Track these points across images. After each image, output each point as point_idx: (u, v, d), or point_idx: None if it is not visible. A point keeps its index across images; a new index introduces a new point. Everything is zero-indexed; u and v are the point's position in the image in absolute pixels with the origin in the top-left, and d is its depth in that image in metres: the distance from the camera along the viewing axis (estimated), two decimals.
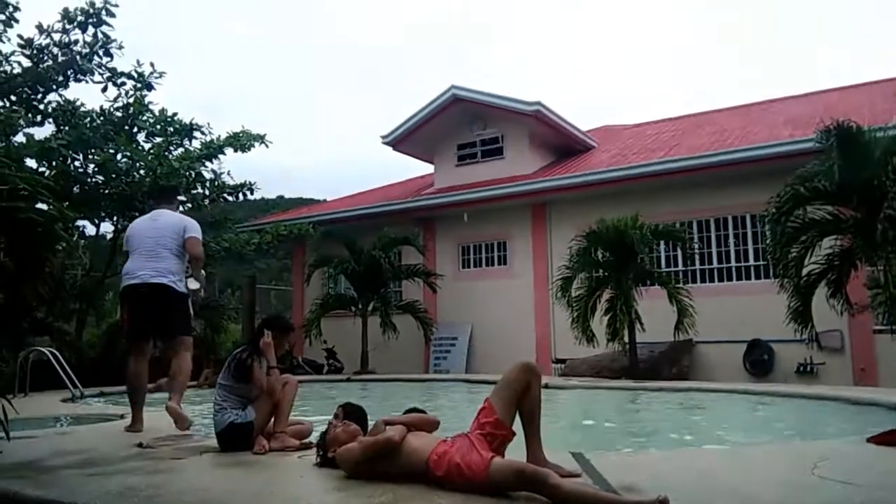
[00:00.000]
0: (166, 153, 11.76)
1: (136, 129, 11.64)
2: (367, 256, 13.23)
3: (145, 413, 5.10)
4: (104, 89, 11.07)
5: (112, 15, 10.35)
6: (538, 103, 13.67)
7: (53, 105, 10.69)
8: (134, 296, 5.09)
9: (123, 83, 11.19)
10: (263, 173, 16.19)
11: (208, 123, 12.37)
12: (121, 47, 10.68)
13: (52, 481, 3.07)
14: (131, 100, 11.37)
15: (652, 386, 8.88)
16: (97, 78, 10.86)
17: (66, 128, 10.60)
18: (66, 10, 10.21)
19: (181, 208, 12.41)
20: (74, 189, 10.80)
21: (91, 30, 10.39)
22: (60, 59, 10.39)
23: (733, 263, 11.73)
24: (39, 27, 10.21)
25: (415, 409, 3.28)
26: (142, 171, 11.29)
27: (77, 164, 10.96)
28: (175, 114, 12.06)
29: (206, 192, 12.60)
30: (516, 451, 2.93)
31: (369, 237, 13.68)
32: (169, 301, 5.12)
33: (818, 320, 7.95)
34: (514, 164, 14.32)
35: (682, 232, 11.26)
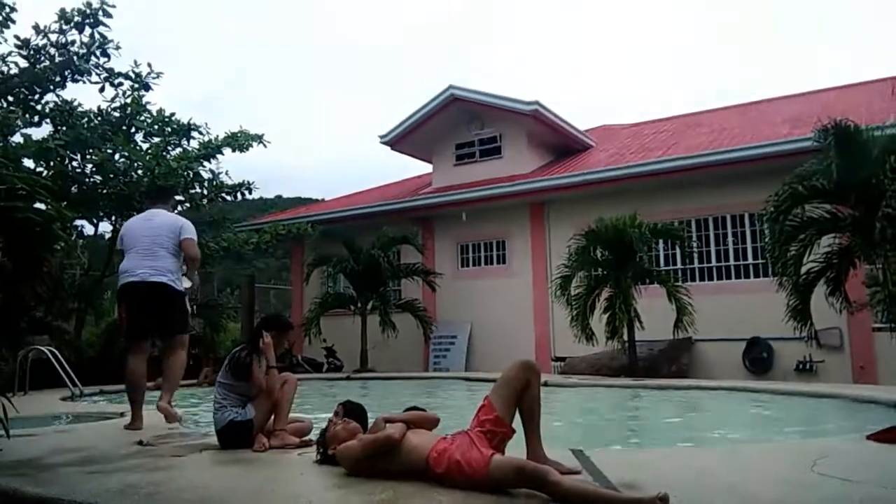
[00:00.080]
0: (164, 153, 11.75)
1: (133, 130, 11.65)
2: (366, 255, 13.23)
3: (145, 411, 5.10)
4: (101, 90, 11.08)
5: (109, 15, 10.36)
6: (536, 103, 13.68)
7: (51, 105, 10.69)
8: (133, 293, 5.10)
9: (121, 83, 11.20)
10: (262, 173, 16.20)
11: (206, 123, 12.40)
12: (118, 48, 10.70)
13: (52, 479, 3.07)
14: (129, 100, 11.37)
15: (651, 384, 8.89)
16: (94, 78, 10.88)
17: (64, 128, 10.60)
18: (62, 11, 10.21)
19: (179, 208, 12.48)
20: (72, 189, 10.80)
21: (88, 30, 10.40)
22: (57, 59, 10.39)
23: (732, 262, 11.74)
24: (36, 28, 10.21)
25: (414, 408, 3.28)
26: (140, 171, 11.29)
27: (75, 164, 10.96)
28: (173, 114, 12.07)
29: (205, 192, 12.60)
30: (516, 449, 2.94)
31: (368, 236, 13.68)
32: (168, 299, 5.16)
33: (817, 318, 7.97)
34: (512, 164, 14.32)
35: (680, 230, 11.27)
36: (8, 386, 7.36)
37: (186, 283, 5.42)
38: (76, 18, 10.26)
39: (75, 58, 10.43)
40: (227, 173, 12.92)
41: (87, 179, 11.03)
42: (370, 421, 3.27)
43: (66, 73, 10.50)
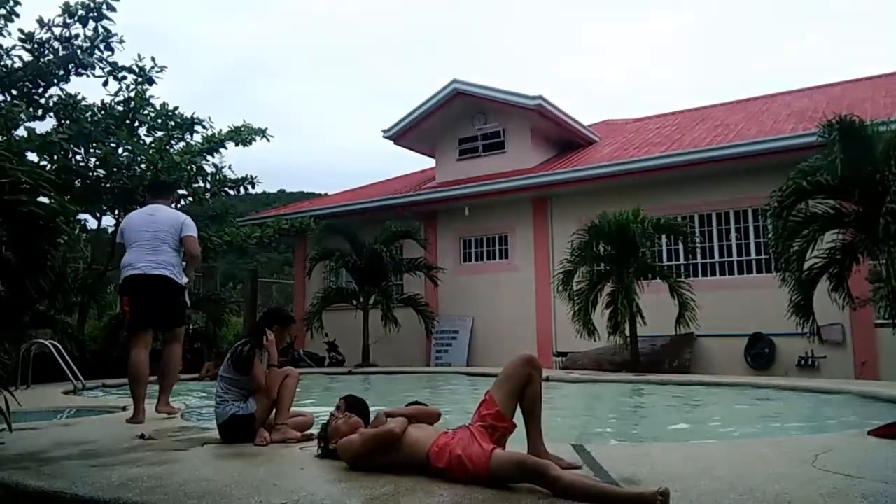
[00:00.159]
0: (167, 147, 11.77)
1: (137, 123, 11.65)
2: (369, 250, 13.23)
3: (147, 404, 5.14)
4: (105, 83, 11.09)
5: (113, 9, 10.35)
6: (540, 97, 13.64)
7: (54, 99, 10.70)
8: (136, 286, 5.17)
9: (124, 77, 11.20)
10: (265, 167, 16.22)
11: (209, 117, 12.41)
12: (121, 41, 10.69)
13: (54, 472, 3.08)
14: (132, 94, 11.37)
15: (653, 379, 8.89)
16: (98, 72, 10.88)
17: (68, 122, 10.61)
18: (66, 5, 10.21)
19: (182, 202, 12.51)
20: (76, 183, 10.82)
21: (92, 24, 10.39)
22: (61, 53, 10.40)
23: (735, 257, 11.71)
24: (40, 21, 10.22)
25: (416, 402, 3.29)
26: (143, 165, 11.31)
27: (78, 157, 10.98)
28: (176, 108, 12.08)
29: (208, 186, 12.63)
30: (517, 444, 2.94)
31: (371, 231, 13.68)
32: (171, 293, 5.26)
33: (819, 314, 7.96)
34: (515, 158, 14.29)
35: (683, 226, 11.25)
36: (10, 379, 7.37)
37: (184, 279, 5.48)
38: (80, 12, 10.26)
39: (79, 51, 10.43)
40: (230, 167, 12.96)
41: (90, 173, 11.06)
42: (371, 415, 3.28)
43: (70, 66, 10.50)
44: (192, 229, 5.43)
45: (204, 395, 8.06)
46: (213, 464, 3.36)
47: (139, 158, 11.28)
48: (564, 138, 15.00)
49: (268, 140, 13.13)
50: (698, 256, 11.90)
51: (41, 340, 8.86)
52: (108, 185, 11.13)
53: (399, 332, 13.15)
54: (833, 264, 7.71)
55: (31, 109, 10.29)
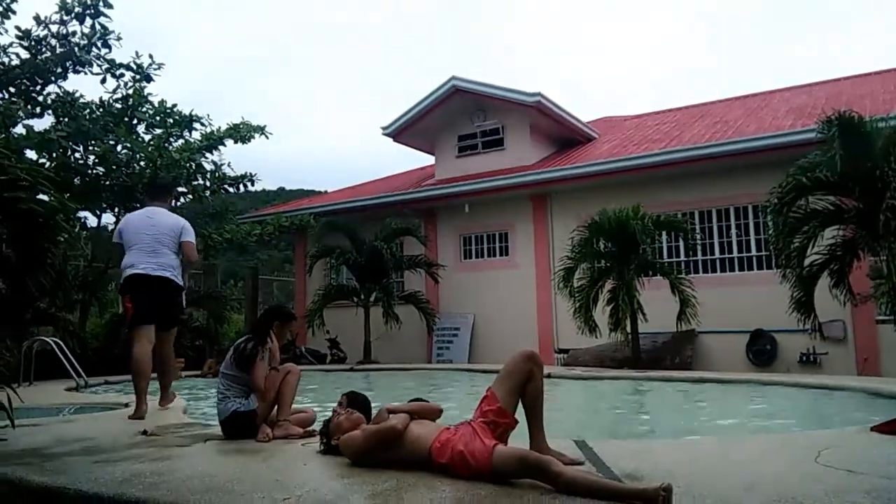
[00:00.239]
0: (166, 144, 11.75)
1: (135, 121, 11.63)
2: (369, 247, 13.23)
3: (149, 400, 5.20)
4: (103, 81, 11.07)
5: (110, 6, 10.33)
6: (539, 94, 13.62)
7: (52, 97, 10.68)
8: (139, 284, 5.26)
9: (122, 74, 11.18)
10: (264, 165, 16.20)
11: (208, 115, 12.40)
12: (119, 38, 10.67)
13: (57, 468, 3.08)
14: (130, 91, 11.35)
15: (654, 375, 8.89)
16: (96, 69, 10.86)
17: (66, 119, 10.59)
18: (63, 2, 10.19)
19: (182, 200, 12.50)
20: (75, 180, 10.80)
21: (89, 21, 10.37)
22: (59, 50, 10.37)
23: (735, 254, 11.71)
24: (37, 18, 10.19)
25: (418, 399, 3.29)
26: (142, 163, 11.29)
27: (77, 155, 10.96)
28: (175, 105, 12.05)
29: (207, 184, 12.61)
30: (519, 440, 2.94)
31: (371, 228, 13.68)
32: (172, 293, 5.42)
33: (821, 310, 7.95)
34: (514, 155, 14.28)
35: (683, 222, 11.24)
36: (13, 376, 7.39)
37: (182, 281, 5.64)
38: (77, 9, 10.23)
39: (76, 49, 10.41)
40: (229, 165, 12.94)
41: (89, 171, 11.04)
42: (373, 411, 3.28)
43: (68, 64, 10.48)
44: (191, 235, 5.58)
45: (205, 391, 8.07)
46: (216, 460, 3.37)
47: (138, 156, 11.26)
48: (563, 135, 14.99)
49: (267, 137, 13.12)
50: (699, 253, 11.91)
51: (43, 338, 8.87)
52: (107, 182, 11.11)
53: (400, 330, 13.16)
54: (834, 261, 7.70)
55: (29, 107, 10.27)
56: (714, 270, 11.88)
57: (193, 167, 12.03)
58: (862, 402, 6.23)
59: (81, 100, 10.90)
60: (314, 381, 9.24)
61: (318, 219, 14.65)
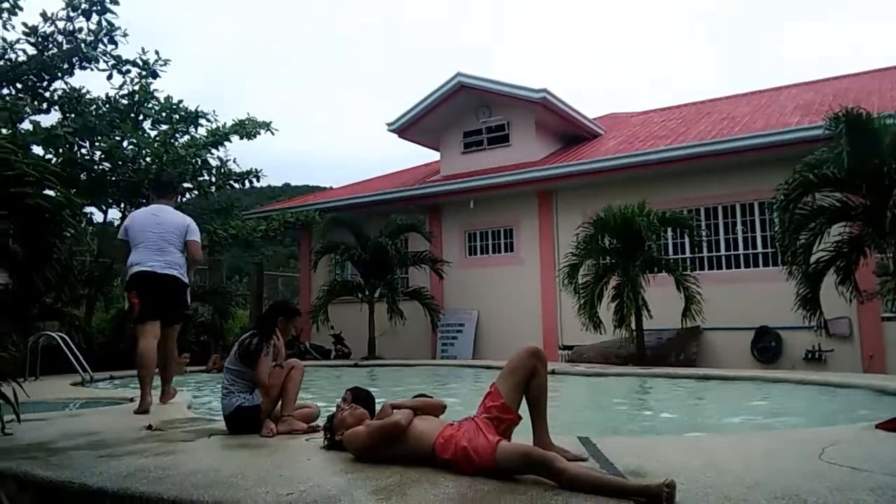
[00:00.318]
0: (172, 140, 11.78)
1: (141, 117, 11.67)
2: (374, 243, 13.24)
3: (154, 395, 5.25)
4: (109, 77, 11.11)
5: (116, 3, 10.35)
6: (544, 90, 13.59)
7: (59, 93, 10.72)
8: (145, 282, 5.32)
9: (128, 71, 11.22)
10: (270, 161, 16.23)
11: (213, 111, 12.42)
12: (125, 35, 10.69)
13: (62, 463, 3.10)
14: (136, 87, 11.38)
15: (659, 372, 8.88)
16: (102, 66, 10.90)
17: (72, 115, 10.64)
18: None
19: (187, 195, 12.53)
20: (81, 176, 10.84)
21: (95, 17, 10.40)
22: (65, 46, 10.41)
23: (741, 251, 11.67)
24: (44, 15, 10.22)
25: (422, 395, 3.29)
26: (148, 159, 11.32)
27: (83, 151, 11.00)
28: (180, 101, 12.08)
29: (213, 180, 12.64)
30: (522, 436, 2.94)
31: (376, 224, 13.69)
32: (178, 291, 5.49)
33: (826, 307, 7.92)
34: (520, 152, 14.26)
35: (689, 219, 11.21)
36: (19, 371, 7.43)
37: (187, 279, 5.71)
38: (83, 6, 10.26)
39: (83, 45, 10.45)
40: (235, 161, 12.97)
41: (95, 166, 11.08)
42: (377, 407, 3.29)
43: (74, 60, 10.52)
44: (196, 234, 5.65)
45: (210, 387, 8.09)
46: (220, 454, 3.38)
47: (144, 152, 11.29)
48: (569, 131, 14.96)
49: (272, 133, 13.14)
50: (704, 250, 11.87)
51: (49, 333, 8.91)
52: (113, 178, 11.15)
53: (405, 326, 13.16)
54: (840, 257, 7.67)
55: (35, 103, 10.31)
56: (719, 267, 11.84)
57: (199, 163, 12.05)
58: (867, 399, 6.20)
59: (88, 96, 10.95)
60: (318, 377, 9.26)
61: (324, 215, 14.67)
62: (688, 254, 12.03)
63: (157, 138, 11.67)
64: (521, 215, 13.91)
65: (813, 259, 7.72)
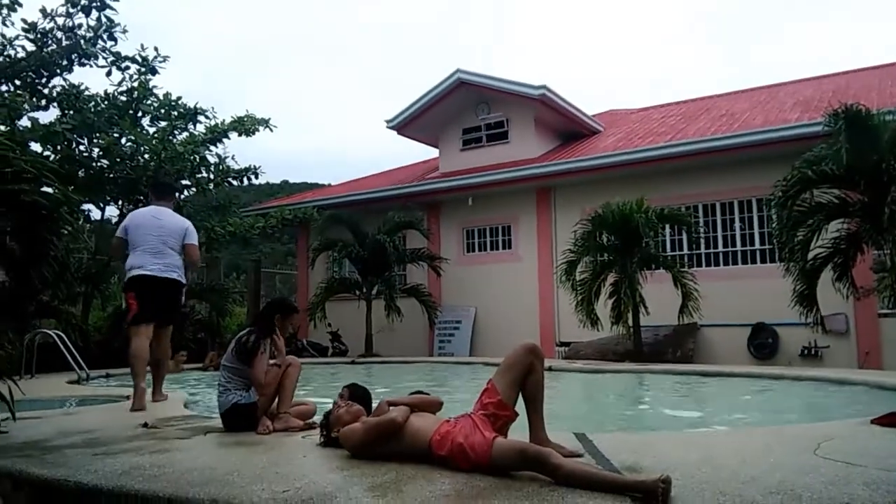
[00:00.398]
0: (171, 137, 11.75)
1: (140, 114, 11.64)
2: (372, 240, 13.23)
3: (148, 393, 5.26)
4: (108, 73, 11.07)
5: None
6: (544, 87, 13.58)
7: (58, 89, 10.69)
8: (144, 285, 5.38)
9: (127, 67, 11.18)
10: (268, 158, 16.20)
11: (212, 108, 12.41)
12: (125, 31, 10.65)
13: (58, 460, 3.09)
14: (135, 84, 11.36)
15: (656, 369, 8.89)
16: (101, 62, 10.85)
17: (71, 112, 10.61)
18: None
19: (185, 192, 12.51)
20: (79, 173, 10.83)
21: (95, 14, 10.35)
22: (64, 43, 10.36)
23: (739, 247, 11.68)
24: (43, 11, 10.18)
25: (419, 392, 3.29)
26: (146, 156, 11.30)
27: (82, 148, 10.98)
28: (179, 98, 12.06)
29: (211, 177, 12.63)
30: (519, 432, 2.94)
31: (374, 221, 13.68)
32: (176, 293, 5.59)
33: (823, 304, 7.94)
34: (519, 148, 14.25)
35: (687, 216, 11.22)
36: (15, 369, 7.43)
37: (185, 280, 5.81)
38: (83, 2, 10.21)
39: (82, 41, 10.40)
40: (233, 158, 12.95)
41: (93, 163, 11.06)
42: (374, 404, 3.29)
43: (73, 56, 10.47)
44: (194, 237, 5.75)
45: (206, 384, 8.09)
46: (216, 452, 3.37)
47: (142, 149, 11.27)
48: (568, 128, 14.95)
49: (271, 130, 13.12)
50: (702, 246, 11.88)
51: (45, 330, 8.90)
52: (111, 175, 11.13)
53: (402, 323, 13.16)
54: (837, 254, 7.69)
55: (34, 100, 10.28)
56: (717, 264, 11.86)
57: (197, 160, 12.03)
58: (863, 395, 6.22)
59: (87, 92, 10.92)
60: (315, 374, 9.26)
61: (322, 212, 14.66)
62: (685, 250, 12.03)
63: (156, 135, 11.65)
64: (519, 212, 13.90)
65: (810, 255, 7.73)
